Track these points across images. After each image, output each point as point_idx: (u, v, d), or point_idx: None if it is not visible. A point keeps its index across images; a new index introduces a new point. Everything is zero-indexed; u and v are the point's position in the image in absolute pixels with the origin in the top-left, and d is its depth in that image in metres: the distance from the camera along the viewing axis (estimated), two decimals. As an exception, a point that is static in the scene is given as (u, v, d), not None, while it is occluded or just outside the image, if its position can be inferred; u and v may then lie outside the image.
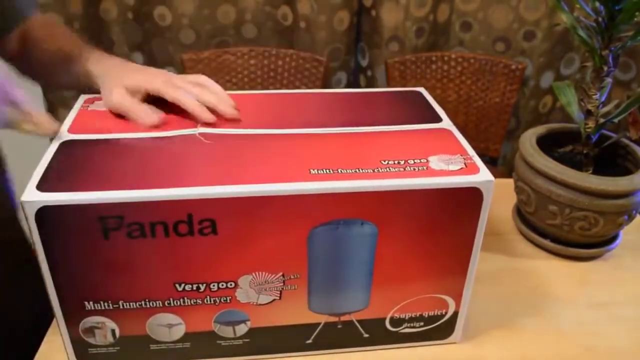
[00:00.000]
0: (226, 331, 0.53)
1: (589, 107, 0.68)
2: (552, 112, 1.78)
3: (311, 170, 0.47)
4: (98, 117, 0.55)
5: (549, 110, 1.77)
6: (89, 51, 0.64)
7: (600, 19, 0.63)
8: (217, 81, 0.59)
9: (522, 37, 1.64)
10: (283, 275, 0.50)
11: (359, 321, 0.55)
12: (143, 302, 0.50)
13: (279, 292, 0.51)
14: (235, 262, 0.48)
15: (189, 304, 0.50)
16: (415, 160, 0.50)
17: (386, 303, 0.54)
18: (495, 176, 0.49)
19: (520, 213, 0.76)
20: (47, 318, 0.57)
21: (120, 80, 0.57)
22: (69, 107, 0.59)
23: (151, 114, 0.54)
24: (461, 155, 0.51)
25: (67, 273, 0.47)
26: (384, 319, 0.55)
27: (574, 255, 0.71)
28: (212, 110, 0.55)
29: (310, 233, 0.48)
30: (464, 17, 1.66)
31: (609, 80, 0.66)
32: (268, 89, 1.55)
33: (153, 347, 0.53)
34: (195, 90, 0.56)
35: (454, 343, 0.58)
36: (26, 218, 0.43)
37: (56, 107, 1.63)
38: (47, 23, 0.70)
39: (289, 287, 0.51)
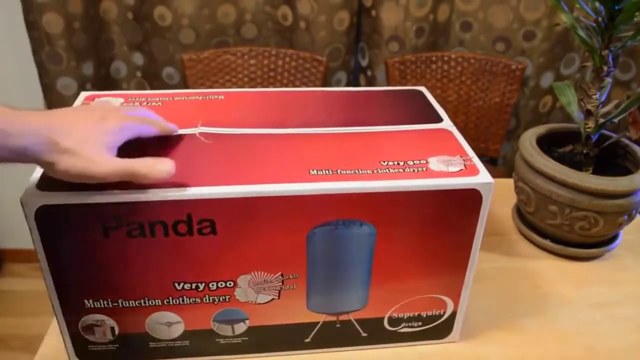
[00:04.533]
0: (225, 330, 0.53)
1: (589, 107, 0.68)
2: (552, 112, 1.78)
3: (311, 171, 0.47)
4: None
5: (549, 110, 1.77)
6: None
7: (600, 19, 0.63)
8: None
9: (522, 37, 1.64)
10: (282, 275, 0.50)
11: (357, 320, 0.55)
12: (142, 301, 0.50)
13: (277, 292, 0.51)
14: (234, 262, 0.48)
15: (188, 302, 0.50)
16: (415, 161, 0.50)
17: (384, 303, 0.54)
18: (495, 176, 0.49)
19: (520, 213, 0.76)
20: None
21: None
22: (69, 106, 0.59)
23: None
24: (461, 157, 0.51)
25: (67, 271, 0.47)
26: (382, 318, 0.55)
27: (574, 255, 0.71)
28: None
29: (310, 233, 0.48)
30: (464, 17, 1.66)
31: (608, 80, 0.66)
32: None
33: (152, 344, 0.53)
34: None
35: (453, 342, 0.58)
36: (26, 217, 0.43)
37: (56, 107, 1.63)
38: None
39: (287, 286, 0.51)
